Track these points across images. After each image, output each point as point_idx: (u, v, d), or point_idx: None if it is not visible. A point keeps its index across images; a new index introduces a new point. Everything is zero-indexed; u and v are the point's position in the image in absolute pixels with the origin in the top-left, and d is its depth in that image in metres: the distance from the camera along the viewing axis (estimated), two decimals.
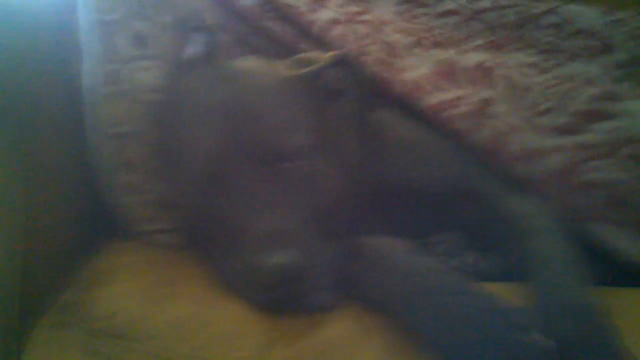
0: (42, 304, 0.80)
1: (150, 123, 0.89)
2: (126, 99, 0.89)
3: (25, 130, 0.81)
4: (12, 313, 0.77)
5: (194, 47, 0.95)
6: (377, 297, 0.76)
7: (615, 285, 0.81)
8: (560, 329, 0.68)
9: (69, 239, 0.89)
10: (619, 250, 0.90)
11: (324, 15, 1.12)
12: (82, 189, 0.92)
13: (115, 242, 0.92)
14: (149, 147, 0.89)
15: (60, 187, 0.88)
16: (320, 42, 1.12)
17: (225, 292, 0.79)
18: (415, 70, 1.07)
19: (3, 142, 0.78)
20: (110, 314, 0.76)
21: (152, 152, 0.89)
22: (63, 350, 0.73)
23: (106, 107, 0.88)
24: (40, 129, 0.85)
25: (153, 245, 0.90)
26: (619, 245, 0.90)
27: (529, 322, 0.67)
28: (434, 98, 1.03)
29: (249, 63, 0.95)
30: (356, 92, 0.97)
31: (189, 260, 0.86)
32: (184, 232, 0.90)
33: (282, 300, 0.74)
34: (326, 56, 0.96)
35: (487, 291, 0.71)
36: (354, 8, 1.14)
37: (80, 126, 0.90)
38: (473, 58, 1.10)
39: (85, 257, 0.89)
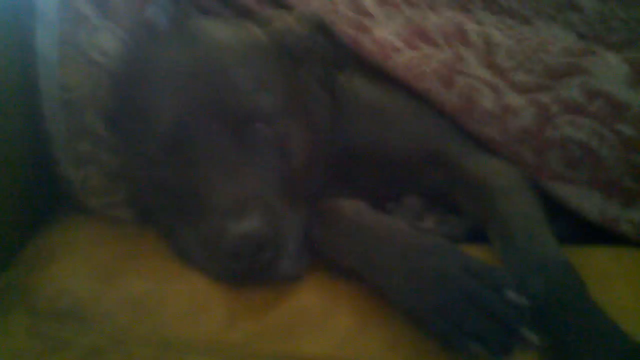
0: None
1: (107, 88, 0.83)
2: (82, 62, 0.82)
3: None
4: None
5: (154, 8, 0.89)
6: (346, 262, 0.72)
7: (577, 243, 0.79)
8: (532, 286, 0.67)
9: (13, 213, 0.82)
10: (581, 209, 0.89)
11: None
12: (29, 159, 0.86)
13: (64, 216, 0.84)
14: (105, 114, 0.83)
15: (5, 156, 0.81)
16: (283, 3, 1.06)
17: (185, 265, 0.74)
18: (385, 28, 1.03)
19: None
20: (57, 294, 0.69)
21: (108, 119, 0.83)
22: (5, 335, 0.67)
23: (60, 70, 0.81)
24: None
25: (105, 220, 0.84)
26: (581, 204, 0.89)
27: (503, 280, 0.65)
28: (404, 56, 0.99)
29: (212, 23, 0.89)
30: (324, 53, 0.92)
31: (145, 234, 0.80)
32: (139, 203, 0.84)
33: (247, 271, 0.69)
34: (293, 15, 0.91)
35: (459, 251, 0.69)
36: None
37: (31, 91, 0.83)
38: (445, 14, 1.05)
39: (31, 233, 0.82)
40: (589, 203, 0.89)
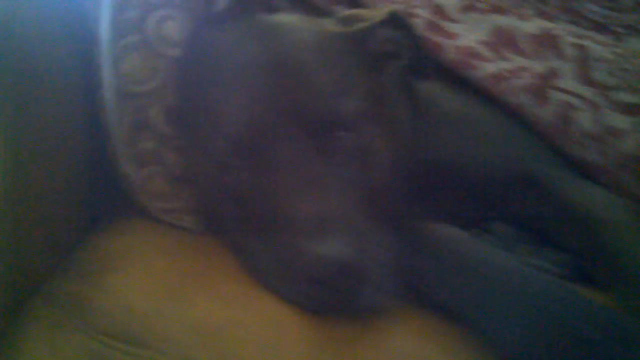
0: (25, 295, 0.66)
1: (175, 82, 0.76)
2: (148, 53, 0.75)
3: (20, 88, 0.66)
4: None
5: None
6: (447, 300, 0.64)
7: None
8: None
9: (63, 213, 0.74)
10: None
11: None
12: (87, 157, 0.78)
13: (123, 221, 0.76)
14: (172, 111, 0.76)
15: (61, 154, 0.73)
16: (360, 2, 0.98)
17: (259, 287, 0.65)
18: (469, 35, 0.96)
19: None
20: (114, 310, 0.61)
21: (175, 116, 0.76)
22: (54, 353, 0.59)
23: (124, 61, 0.74)
24: (40, 87, 0.69)
25: (169, 227, 0.76)
26: None
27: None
28: (493, 67, 0.92)
29: (289, 18, 0.81)
30: (409, 56, 0.83)
31: (213, 247, 0.72)
32: (207, 212, 0.76)
33: (331, 299, 0.61)
34: (378, 13, 0.82)
35: (582, 294, 0.60)
36: None
37: (90, 84, 0.76)
38: (536, 24, 0.96)
39: (84, 236, 0.74)
40: None
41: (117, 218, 0.77)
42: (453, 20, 0.97)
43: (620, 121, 0.86)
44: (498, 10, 0.99)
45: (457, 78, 0.93)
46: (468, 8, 0.99)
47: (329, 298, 0.61)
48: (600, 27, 1.03)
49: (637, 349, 0.54)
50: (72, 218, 0.76)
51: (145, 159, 0.75)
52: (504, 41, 0.95)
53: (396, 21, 0.82)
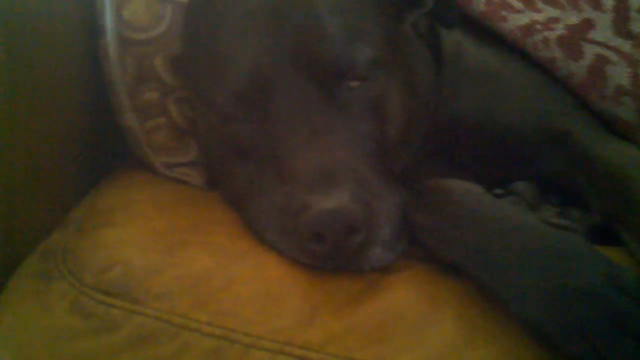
0: (23, 251, 0.64)
1: (180, 29, 0.74)
2: None
3: (13, 31, 0.63)
4: None
5: None
6: (452, 256, 0.60)
7: None
8: None
9: (62, 166, 0.73)
10: None
11: None
12: (88, 109, 0.77)
13: (126, 176, 0.75)
14: (176, 60, 0.75)
15: (60, 105, 0.72)
16: None
17: (258, 242, 0.63)
18: None
19: None
20: (109, 265, 0.59)
21: (179, 64, 0.74)
22: (45, 308, 0.57)
23: (127, 7, 0.72)
24: (35, 32, 0.67)
25: (168, 181, 0.74)
26: None
27: None
28: (524, 18, 0.87)
29: None
30: (435, 6, 0.80)
31: (215, 203, 0.70)
32: (210, 165, 0.75)
33: (333, 254, 0.59)
34: None
35: (604, 256, 0.56)
36: None
37: (91, 31, 0.74)
38: None
39: (87, 189, 0.73)
40: None
41: (119, 172, 0.76)
42: None
43: None
44: None
45: (487, 31, 0.88)
46: None
47: (332, 254, 0.59)
48: None
49: None
50: (73, 172, 0.75)
51: (149, 111, 0.74)
52: None
53: None
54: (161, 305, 0.56)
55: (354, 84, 0.68)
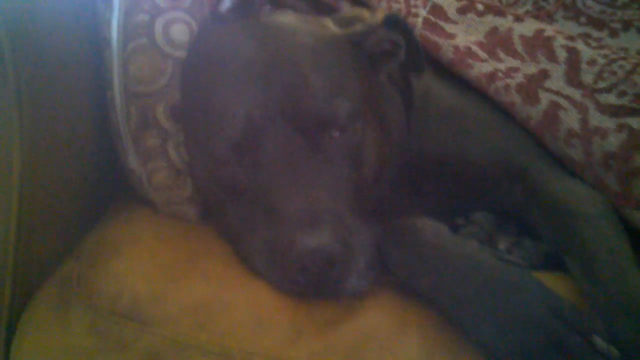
0: (40, 278, 0.72)
1: (179, 81, 0.80)
2: (155, 55, 0.79)
3: (37, 88, 0.71)
4: (2, 288, 0.69)
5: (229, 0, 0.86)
6: (419, 286, 0.69)
7: None
8: (620, 331, 0.61)
9: (74, 204, 0.80)
10: None
11: None
12: (97, 153, 0.84)
13: (129, 212, 0.82)
14: (175, 108, 0.81)
15: (73, 151, 0.79)
16: (363, 2, 1.03)
17: (250, 273, 0.71)
18: (467, 36, 0.99)
19: (4, 93, 0.68)
20: (119, 292, 0.67)
21: (178, 113, 0.81)
22: (63, 330, 0.65)
23: (132, 63, 0.79)
24: (55, 87, 0.74)
25: (171, 218, 0.81)
26: None
27: (592, 325, 0.61)
28: (487, 67, 0.95)
29: (289, 18, 0.85)
30: (406, 56, 0.87)
31: (209, 235, 0.78)
32: (205, 202, 0.81)
33: (315, 284, 0.67)
34: (375, 15, 0.87)
35: (547, 289, 0.64)
36: None
37: (100, 85, 0.81)
38: (531, 26, 0.99)
39: (92, 225, 0.81)
40: None
41: (123, 209, 0.83)
42: (451, 21, 1.01)
43: (605, 122, 0.87)
44: (495, 10, 1.02)
45: (454, 76, 0.97)
46: (466, 9, 1.02)
47: (315, 285, 0.67)
48: (597, 23, 1.05)
49: (580, 335, 0.59)
50: (83, 209, 0.82)
51: (151, 155, 0.80)
52: (499, 42, 0.97)
53: (394, 23, 0.86)
54: (167, 327, 0.65)
55: (336, 134, 0.74)
